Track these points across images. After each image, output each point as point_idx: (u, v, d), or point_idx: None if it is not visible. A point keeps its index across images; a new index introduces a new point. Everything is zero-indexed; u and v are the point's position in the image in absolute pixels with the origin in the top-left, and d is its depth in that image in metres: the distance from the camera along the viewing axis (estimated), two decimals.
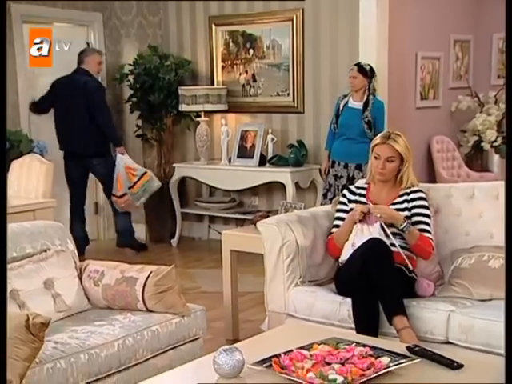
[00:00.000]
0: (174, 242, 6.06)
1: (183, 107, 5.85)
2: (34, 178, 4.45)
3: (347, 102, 4.84)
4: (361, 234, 3.00)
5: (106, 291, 2.89)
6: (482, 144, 6.34)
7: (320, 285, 3.20)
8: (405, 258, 2.99)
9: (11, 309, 2.55)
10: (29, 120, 5.63)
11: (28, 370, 2.23)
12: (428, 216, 3.10)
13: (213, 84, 6.03)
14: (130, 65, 6.00)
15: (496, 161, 6.44)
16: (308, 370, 2.00)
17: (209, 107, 5.78)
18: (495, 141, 6.25)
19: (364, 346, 2.17)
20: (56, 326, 2.61)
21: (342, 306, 2.95)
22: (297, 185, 5.41)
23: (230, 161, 5.74)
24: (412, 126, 5.60)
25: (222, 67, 6.03)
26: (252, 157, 5.61)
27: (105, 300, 2.90)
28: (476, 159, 6.56)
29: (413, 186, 3.15)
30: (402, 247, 3.01)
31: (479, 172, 6.39)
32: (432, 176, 6.11)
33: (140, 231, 6.32)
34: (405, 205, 3.11)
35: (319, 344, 2.18)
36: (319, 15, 5.45)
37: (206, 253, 5.79)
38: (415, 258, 3.07)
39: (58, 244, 3.00)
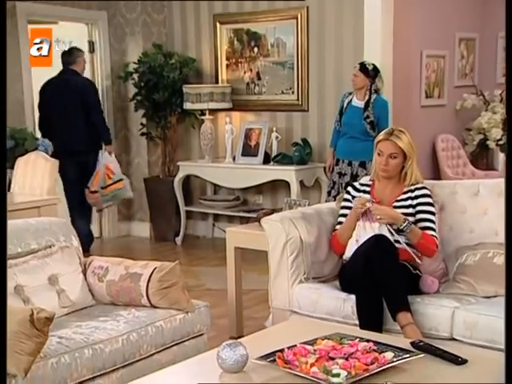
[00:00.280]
0: (179, 240, 6.06)
1: (188, 105, 5.85)
2: (38, 175, 4.46)
3: (351, 100, 4.83)
4: (364, 231, 3.00)
5: (110, 287, 2.89)
6: (488, 142, 6.32)
7: (324, 282, 3.20)
8: (412, 253, 2.98)
9: (16, 304, 2.56)
10: (34, 118, 5.65)
11: (33, 365, 2.23)
12: (432, 213, 3.09)
13: (217, 82, 6.03)
14: (134, 63, 6.01)
15: (501, 159, 6.41)
16: (312, 365, 2.00)
17: (213, 105, 5.78)
18: (500, 139, 6.22)
19: (368, 341, 2.16)
20: (60, 321, 2.62)
21: (346, 303, 2.94)
22: (301, 183, 5.40)
23: (234, 159, 5.74)
24: (417, 125, 5.59)
25: (227, 65, 6.03)
26: (256, 155, 5.61)
27: (109, 296, 2.90)
28: (481, 157, 6.54)
29: (417, 182, 3.14)
30: (406, 244, 3.00)
31: (484, 170, 6.37)
32: (437, 174, 6.09)
33: (144, 230, 6.34)
34: (409, 202, 3.11)
35: (323, 339, 2.18)
36: (324, 13, 5.44)
37: (211, 251, 5.80)
38: (420, 255, 3.07)
39: (62, 240, 3.00)
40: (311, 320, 2.99)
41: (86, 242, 5.19)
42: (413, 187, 3.13)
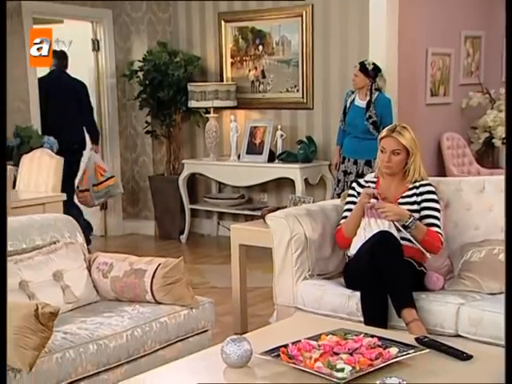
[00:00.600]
0: (183, 238, 6.06)
1: (192, 103, 5.85)
2: (44, 173, 4.47)
3: (354, 100, 4.82)
4: (369, 227, 2.99)
5: (114, 283, 2.89)
6: (493, 141, 6.29)
7: (329, 278, 3.19)
8: (420, 247, 2.96)
9: (21, 300, 2.57)
10: (39, 116, 5.65)
11: (37, 359, 2.24)
12: (437, 210, 3.08)
13: (222, 80, 6.03)
14: (139, 61, 6.02)
15: None
16: (316, 360, 2.00)
17: (218, 103, 5.78)
18: None
19: (372, 336, 2.16)
20: (65, 317, 2.62)
21: (351, 300, 2.94)
22: (306, 181, 5.40)
23: (239, 157, 5.74)
24: (422, 123, 5.57)
25: (232, 63, 6.03)
26: (261, 153, 5.61)
27: (113, 292, 2.91)
28: (487, 156, 6.52)
29: (422, 179, 3.13)
30: (411, 241, 2.99)
31: (490, 169, 6.35)
32: (442, 173, 6.07)
33: (149, 228, 6.34)
34: (414, 198, 3.10)
35: (327, 335, 2.18)
36: (329, 11, 5.44)
37: (215, 249, 5.80)
38: (425, 252, 3.06)
39: (67, 236, 3.01)
40: (315, 316, 2.99)
41: (87, 233, 5.23)
42: (417, 184, 3.12)
